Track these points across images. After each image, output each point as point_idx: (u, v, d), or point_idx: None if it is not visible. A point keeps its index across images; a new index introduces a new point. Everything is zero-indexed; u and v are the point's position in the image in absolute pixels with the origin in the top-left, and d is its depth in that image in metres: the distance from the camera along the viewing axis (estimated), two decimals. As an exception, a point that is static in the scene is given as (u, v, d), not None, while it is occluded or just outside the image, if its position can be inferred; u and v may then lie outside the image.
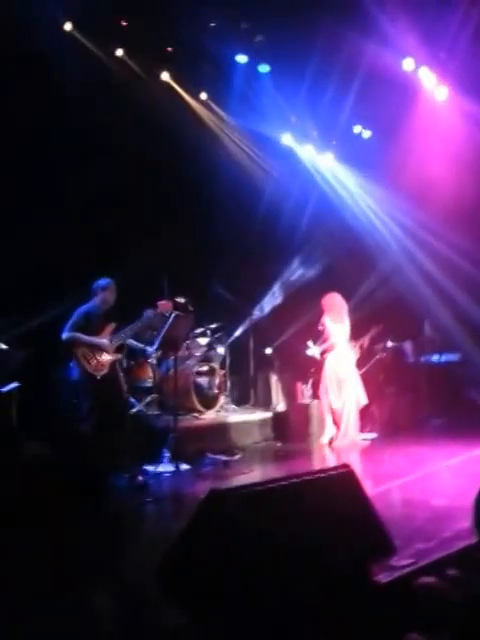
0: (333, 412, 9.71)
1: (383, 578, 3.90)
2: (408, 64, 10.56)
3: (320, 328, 9.90)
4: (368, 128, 12.24)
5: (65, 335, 7.41)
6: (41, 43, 8.46)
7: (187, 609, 3.47)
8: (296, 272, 12.03)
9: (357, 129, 12.22)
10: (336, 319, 9.77)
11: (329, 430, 9.74)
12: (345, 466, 4.35)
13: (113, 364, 7.59)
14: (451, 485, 6.20)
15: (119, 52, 9.77)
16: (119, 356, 7.88)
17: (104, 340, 7.51)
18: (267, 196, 11.66)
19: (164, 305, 8.01)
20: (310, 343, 9.89)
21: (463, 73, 10.59)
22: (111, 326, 7.63)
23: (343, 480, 4.17)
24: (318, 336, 9.93)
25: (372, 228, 12.32)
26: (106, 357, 7.49)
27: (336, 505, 3.94)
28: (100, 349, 7.46)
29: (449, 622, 2.75)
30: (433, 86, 11.06)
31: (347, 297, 10.14)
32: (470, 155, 10.69)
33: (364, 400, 9.76)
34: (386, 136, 11.59)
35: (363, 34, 9.50)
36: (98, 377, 7.39)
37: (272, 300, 11.95)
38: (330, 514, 3.84)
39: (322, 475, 4.22)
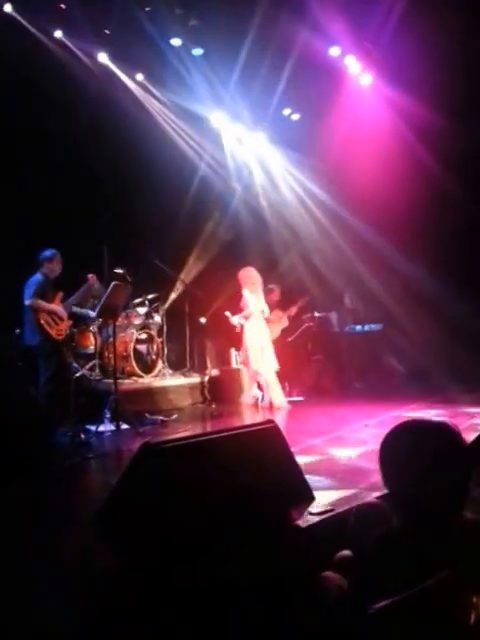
0: (258, 376, 9.85)
1: (302, 523, 4.05)
2: (334, 51, 10.68)
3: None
4: (297, 111, 12.32)
5: (29, 301, 7.57)
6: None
7: (123, 556, 3.52)
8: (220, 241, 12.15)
9: (287, 111, 12.29)
10: (253, 290, 9.81)
11: (253, 392, 9.91)
12: (270, 422, 4.44)
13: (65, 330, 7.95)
14: (369, 442, 6.34)
15: (58, 33, 9.56)
16: (70, 322, 8.21)
17: (60, 308, 7.80)
18: (200, 171, 11.76)
19: (91, 278, 8.28)
20: (228, 313, 9.97)
21: (385, 62, 10.77)
22: (60, 294, 7.90)
23: (268, 434, 4.25)
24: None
25: (296, 206, 12.47)
26: (63, 323, 7.83)
27: (261, 457, 4.01)
28: (58, 316, 7.74)
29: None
30: (358, 73, 11.22)
31: (272, 268, 10.19)
32: (389, 138, 10.86)
33: (276, 366, 9.75)
34: (313, 119, 11.69)
35: (294, 20, 9.56)
36: (59, 341, 7.74)
37: (199, 267, 12.04)
38: (255, 465, 3.92)
39: (249, 430, 4.30)
